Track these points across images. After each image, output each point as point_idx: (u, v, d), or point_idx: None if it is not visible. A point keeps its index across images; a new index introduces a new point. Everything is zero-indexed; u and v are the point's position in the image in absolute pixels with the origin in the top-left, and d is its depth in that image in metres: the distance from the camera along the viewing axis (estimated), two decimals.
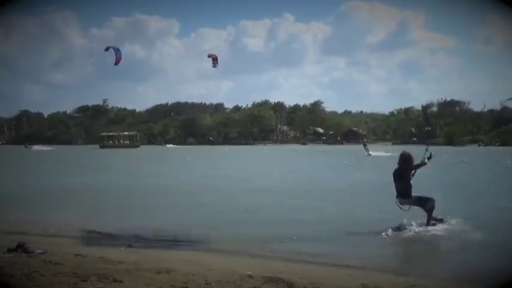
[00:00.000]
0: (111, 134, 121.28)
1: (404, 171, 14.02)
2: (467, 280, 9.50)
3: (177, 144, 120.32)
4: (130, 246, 12.35)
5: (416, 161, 14.11)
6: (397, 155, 14.05)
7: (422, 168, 14.13)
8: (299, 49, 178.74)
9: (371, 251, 12.20)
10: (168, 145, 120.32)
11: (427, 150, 14.26)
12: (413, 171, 14.05)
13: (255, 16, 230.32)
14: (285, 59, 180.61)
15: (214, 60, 28.58)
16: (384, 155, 56.51)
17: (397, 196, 14.00)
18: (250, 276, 8.59)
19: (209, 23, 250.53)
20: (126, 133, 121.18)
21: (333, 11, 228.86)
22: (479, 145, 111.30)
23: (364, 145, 67.34)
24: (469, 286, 9.40)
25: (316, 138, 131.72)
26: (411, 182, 13.98)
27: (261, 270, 9.19)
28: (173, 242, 13.19)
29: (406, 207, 13.95)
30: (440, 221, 13.95)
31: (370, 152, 62.02)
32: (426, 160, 14.08)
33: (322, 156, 62.44)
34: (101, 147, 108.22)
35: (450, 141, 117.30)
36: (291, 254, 11.70)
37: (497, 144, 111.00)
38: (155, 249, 12.28)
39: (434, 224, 13.76)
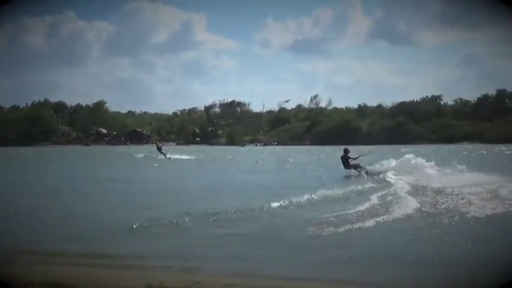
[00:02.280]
0: None
1: (346, 156, 30.89)
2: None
3: None
4: None
5: None
6: (197, 157, 16.46)
7: None
8: (82, 48, 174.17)
9: (157, 251, 12.28)
10: None
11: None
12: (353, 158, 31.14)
13: (35, 12, 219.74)
14: (68, 57, 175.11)
15: None
16: (185, 158, 54.96)
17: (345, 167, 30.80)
18: (32, 283, 8.29)
19: None
20: None
21: (118, 11, 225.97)
22: (256, 145, 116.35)
23: (159, 148, 58.49)
24: None
25: (100, 139, 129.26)
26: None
27: (43, 276, 8.88)
28: None
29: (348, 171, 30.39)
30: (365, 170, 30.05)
31: (169, 156, 55.53)
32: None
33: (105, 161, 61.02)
34: None
35: (232, 141, 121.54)
36: (76, 258, 11.39)
37: (275, 143, 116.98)
38: None
39: (367, 172, 29.56)
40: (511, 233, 13.24)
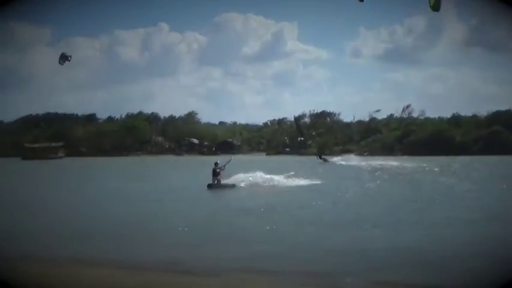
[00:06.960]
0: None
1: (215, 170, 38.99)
2: None
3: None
4: None
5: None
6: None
7: None
8: (174, 59, 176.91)
9: None
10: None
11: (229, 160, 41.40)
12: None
13: (129, 25, 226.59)
14: (160, 69, 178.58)
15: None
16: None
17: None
18: None
19: (82, 32, 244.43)
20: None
21: (208, 22, 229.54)
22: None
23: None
24: None
25: (192, 149, 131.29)
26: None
27: None
28: None
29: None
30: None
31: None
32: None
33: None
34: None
35: (322, 151, 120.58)
36: None
37: (366, 154, 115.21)
38: None
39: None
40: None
